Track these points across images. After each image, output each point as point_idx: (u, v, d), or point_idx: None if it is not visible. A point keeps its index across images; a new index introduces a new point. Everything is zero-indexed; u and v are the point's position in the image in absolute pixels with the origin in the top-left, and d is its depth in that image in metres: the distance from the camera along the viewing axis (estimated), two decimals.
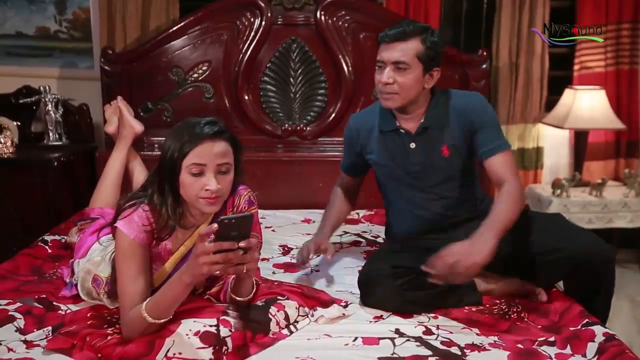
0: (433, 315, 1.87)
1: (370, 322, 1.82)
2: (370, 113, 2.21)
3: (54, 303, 1.88)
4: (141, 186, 1.74)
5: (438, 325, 1.80)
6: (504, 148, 1.99)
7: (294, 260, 2.31)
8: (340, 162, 2.38)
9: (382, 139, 2.13)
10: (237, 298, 1.73)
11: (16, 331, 1.70)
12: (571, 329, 1.75)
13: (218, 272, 1.48)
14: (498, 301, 1.95)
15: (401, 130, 2.08)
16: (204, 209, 1.64)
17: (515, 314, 1.87)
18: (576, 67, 3.42)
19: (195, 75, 3.27)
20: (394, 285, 1.87)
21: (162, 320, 1.58)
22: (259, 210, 1.83)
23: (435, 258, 1.74)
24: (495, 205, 1.87)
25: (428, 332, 1.75)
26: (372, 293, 1.91)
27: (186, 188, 1.61)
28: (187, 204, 1.66)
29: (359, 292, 2.00)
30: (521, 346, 1.68)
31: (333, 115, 3.26)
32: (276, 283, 1.97)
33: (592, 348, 1.62)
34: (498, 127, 2.04)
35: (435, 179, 2.08)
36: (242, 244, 1.46)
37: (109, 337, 1.60)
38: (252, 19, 3.22)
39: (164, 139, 1.69)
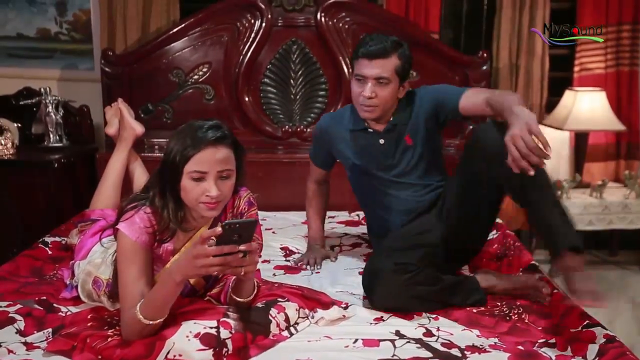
0: (434, 316, 1.87)
1: (371, 323, 1.82)
2: (340, 116, 2.33)
3: (54, 305, 1.88)
4: (143, 187, 1.74)
5: (438, 327, 1.79)
6: (465, 90, 2.15)
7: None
8: (311, 156, 2.46)
9: (352, 138, 2.26)
10: (238, 299, 1.73)
11: (16, 333, 1.70)
12: (572, 330, 1.74)
13: (215, 272, 1.48)
14: (499, 303, 1.95)
15: (370, 130, 2.22)
16: (204, 214, 1.63)
17: (515, 316, 1.87)
18: (576, 68, 3.42)
19: (196, 76, 3.27)
20: (400, 280, 1.87)
21: (158, 321, 1.57)
22: (259, 212, 1.83)
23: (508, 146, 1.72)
24: (493, 94, 2.03)
25: (428, 333, 1.75)
26: (377, 289, 1.90)
27: (187, 192, 1.61)
28: (188, 207, 1.66)
29: (359, 294, 2.00)
30: (521, 348, 1.67)
31: None
32: (276, 285, 1.97)
33: (592, 350, 1.62)
34: (451, 86, 2.26)
35: (404, 168, 2.22)
36: (242, 247, 1.46)
37: (110, 339, 1.59)
38: (252, 21, 3.23)
39: (164, 140, 1.69)
